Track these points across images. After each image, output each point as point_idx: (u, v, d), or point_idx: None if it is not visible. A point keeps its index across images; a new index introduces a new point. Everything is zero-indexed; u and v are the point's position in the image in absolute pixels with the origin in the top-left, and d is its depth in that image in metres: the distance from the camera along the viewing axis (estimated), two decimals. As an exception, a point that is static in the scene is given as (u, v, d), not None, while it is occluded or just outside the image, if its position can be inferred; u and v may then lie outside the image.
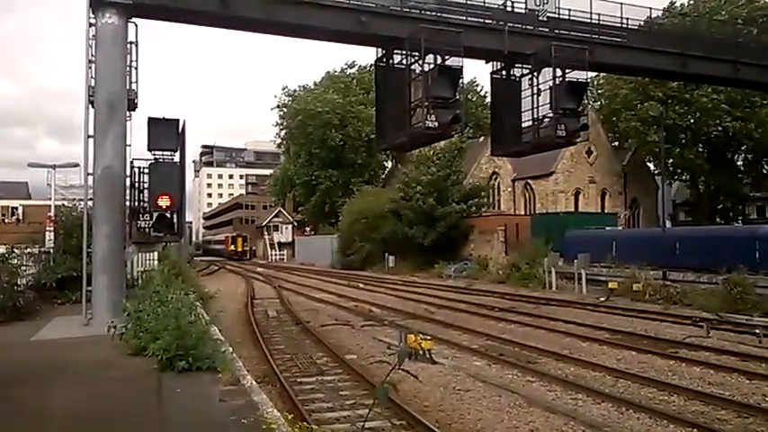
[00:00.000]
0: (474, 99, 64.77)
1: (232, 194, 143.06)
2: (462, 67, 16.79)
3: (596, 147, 48.74)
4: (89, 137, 14.00)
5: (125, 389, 7.64)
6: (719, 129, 41.59)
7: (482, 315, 20.48)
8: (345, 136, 58.89)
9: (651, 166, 53.19)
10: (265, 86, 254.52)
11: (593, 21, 20.10)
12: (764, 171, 46.72)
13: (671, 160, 45.20)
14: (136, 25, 15.30)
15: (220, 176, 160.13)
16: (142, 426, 6.27)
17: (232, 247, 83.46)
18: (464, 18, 18.07)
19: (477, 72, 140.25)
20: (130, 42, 15.17)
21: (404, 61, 17.68)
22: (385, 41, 18.06)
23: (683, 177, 51.22)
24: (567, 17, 19.62)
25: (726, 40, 23.69)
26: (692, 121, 42.74)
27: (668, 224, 40.03)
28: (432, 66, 16.76)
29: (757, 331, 15.17)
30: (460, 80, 17.16)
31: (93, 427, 6.26)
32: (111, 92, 14.20)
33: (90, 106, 14.28)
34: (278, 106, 65.35)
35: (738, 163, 48.42)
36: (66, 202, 20.21)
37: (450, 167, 42.34)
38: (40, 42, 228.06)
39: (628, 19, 20.78)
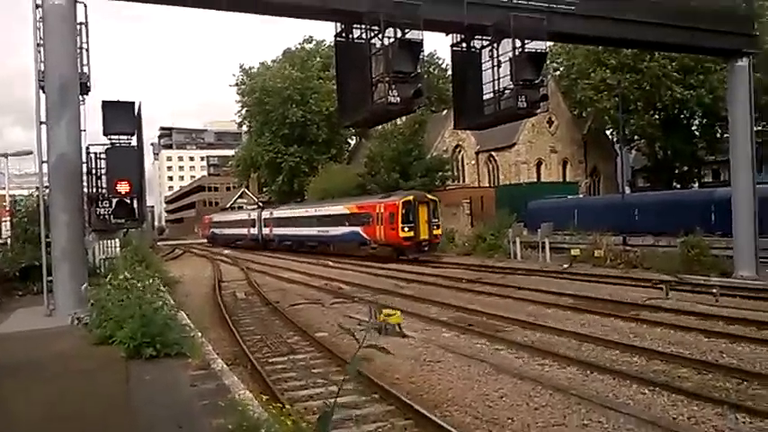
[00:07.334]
0: (436, 72, 64.64)
1: (194, 176, 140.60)
2: (422, 40, 16.61)
3: (557, 116, 49.38)
4: (41, 123, 13.54)
5: (92, 380, 7.51)
6: (671, 97, 42.45)
7: (450, 287, 20.75)
8: (306, 111, 58.10)
9: (609, 133, 54.19)
10: (224, 64, 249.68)
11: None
12: (718, 135, 48.03)
13: (627, 129, 46.08)
14: (84, 5, 14.74)
15: (181, 159, 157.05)
16: (111, 417, 6.17)
17: (407, 230, 32.25)
18: (423, -10, 17.88)
19: (438, 45, 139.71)
20: (80, 23, 14.62)
21: (363, 36, 17.45)
22: (344, 15, 17.74)
23: (640, 144, 52.32)
24: (524, -14, 19.59)
25: (682, 6, 23.92)
26: (646, 88, 43.50)
27: (627, 190, 40.93)
28: (392, 40, 16.59)
29: (714, 291, 15.77)
30: (421, 54, 17.01)
31: (60, 421, 6.13)
32: (62, 76, 13.66)
33: (41, 91, 13.78)
34: (236, 84, 64.24)
35: (693, 128, 49.60)
36: (27, 191, 19.59)
37: (413, 142, 42.30)
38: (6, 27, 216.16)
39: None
